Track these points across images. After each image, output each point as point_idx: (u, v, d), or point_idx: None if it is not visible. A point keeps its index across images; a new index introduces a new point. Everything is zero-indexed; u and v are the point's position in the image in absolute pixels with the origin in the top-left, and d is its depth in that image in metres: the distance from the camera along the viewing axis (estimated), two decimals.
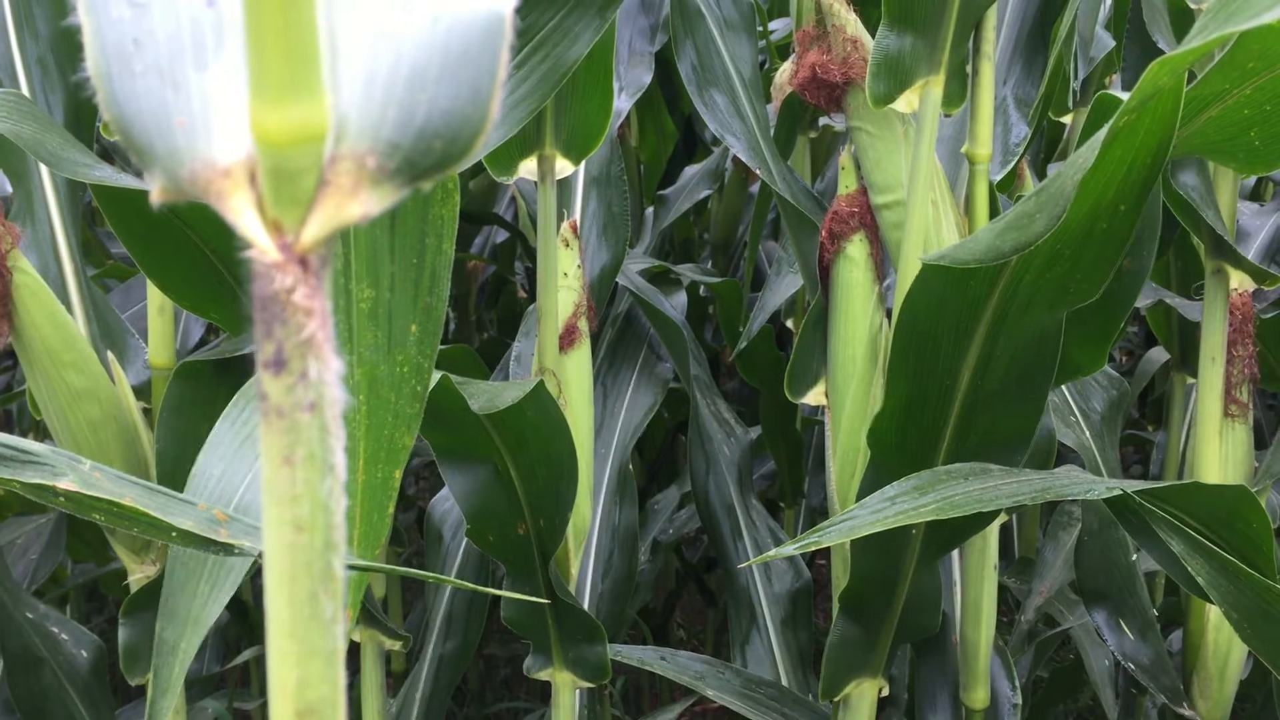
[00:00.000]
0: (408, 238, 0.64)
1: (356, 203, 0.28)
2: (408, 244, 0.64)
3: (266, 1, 0.27)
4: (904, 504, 0.91)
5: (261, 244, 0.28)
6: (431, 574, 0.96)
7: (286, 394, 0.29)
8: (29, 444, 0.55)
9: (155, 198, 0.29)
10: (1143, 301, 1.83)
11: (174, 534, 0.57)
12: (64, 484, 0.53)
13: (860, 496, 1.02)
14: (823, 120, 2.12)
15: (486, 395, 0.99)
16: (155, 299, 1.29)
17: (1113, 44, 1.82)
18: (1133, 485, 0.93)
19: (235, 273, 1.08)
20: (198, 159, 0.28)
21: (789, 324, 2.02)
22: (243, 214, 0.28)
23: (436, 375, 0.86)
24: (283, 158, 0.28)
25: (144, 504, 0.54)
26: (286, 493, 0.29)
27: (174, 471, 1.18)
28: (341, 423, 0.30)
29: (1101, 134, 0.67)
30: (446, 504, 1.56)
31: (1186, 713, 1.36)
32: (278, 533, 0.30)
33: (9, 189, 1.35)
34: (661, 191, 2.39)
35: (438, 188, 0.64)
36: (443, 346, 1.84)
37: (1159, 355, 2.37)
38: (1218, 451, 1.33)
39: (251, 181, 0.28)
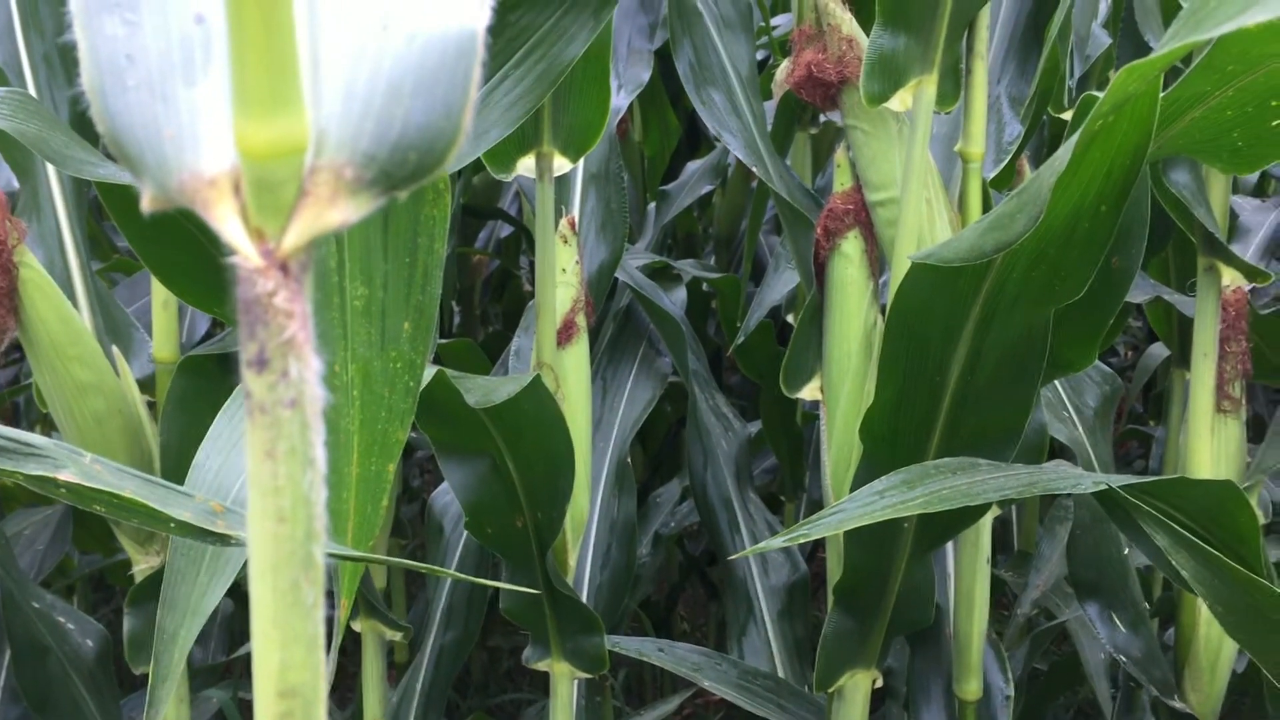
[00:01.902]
0: (400, 238, 0.66)
1: (335, 211, 0.30)
2: (400, 244, 0.66)
3: (249, 20, 0.29)
4: (892, 498, 0.92)
5: (245, 250, 0.30)
6: (423, 565, 0.98)
7: (269, 391, 0.30)
8: (31, 437, 0.57)
9: (145, 206, 0.31)
10: (1142, 297, 1.83)
11: (172, 525, 0.58)
12: (65, 476, 0.54)
13: (854, 491, 1.03)
14: (824, 117, 2.13)
15: (482, 390, 1.01)
16: (159, 294, 1.31)
17: (1109, 41, 1.83)
18: (1119, 480, 0.94)
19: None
20: (185, 170, 0.30)
21: (790, 319, 2.03)
22: (227, 222, 0.30)
23: (432, 371, 0.88)
24: (265, 169, 0.29)
25: (143, 496, 0.56)
26: (269, 485, 0.31)
27: (178, 464, 1.20)
28: (321, 419, 0.31)
29: (1075, 138, 0.68)
30: (447, 497, 1.57)
31: (1178, 705, 1.37)
32: (261, 523, 0.31)
33: (15, 184, 1.37)
34: (664, 187, 2.40)
35: (429, 189, 0.65)
36: (446, 340, 1.87)
37: (1161, 350, 2.38)
38: (1210, 446, 1.34)
39: (236, 191, 0.30)
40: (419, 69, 0.31)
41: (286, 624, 0.32)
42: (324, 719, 0.33)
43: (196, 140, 0.30)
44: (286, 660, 0.32)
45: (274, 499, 0.31)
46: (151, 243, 1.10)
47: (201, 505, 0.59)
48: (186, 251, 1.11)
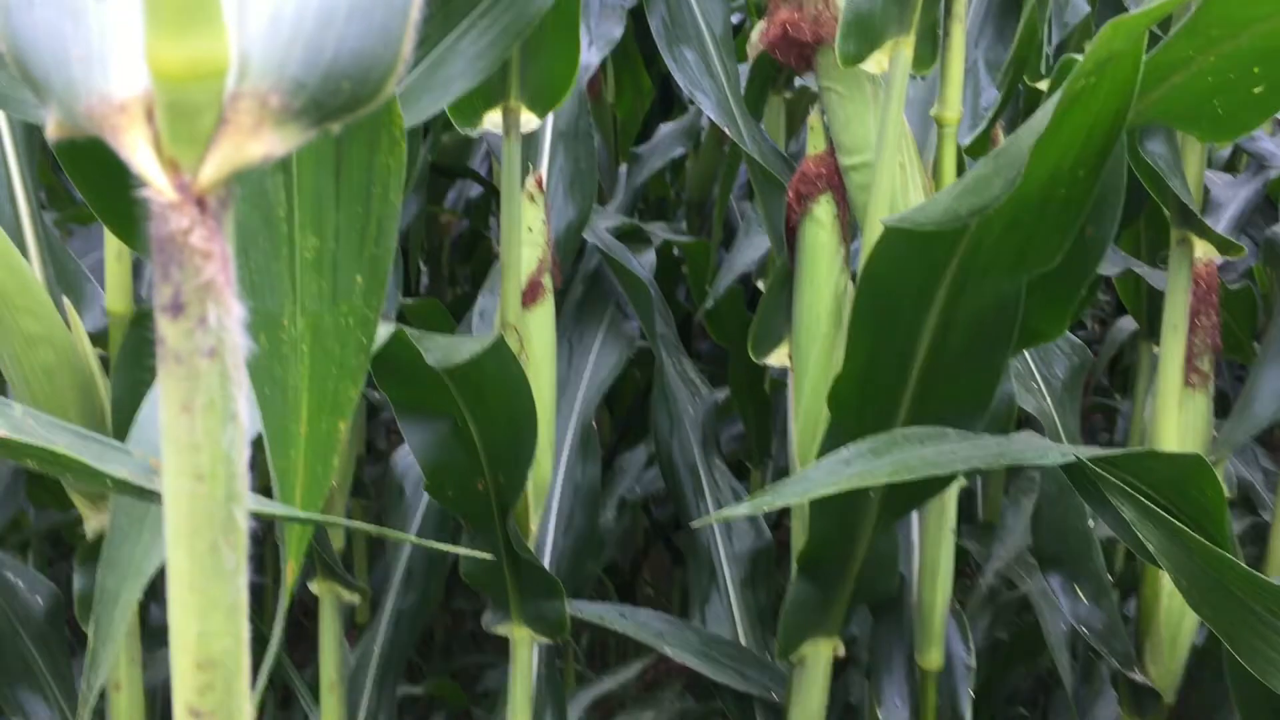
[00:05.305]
0: (353, 187, 0.63)
1: (258, 142, 0.27)
2: (353, 193, 0.63)
3: None
4: (859, 466, 0.90)
5: (157, 183, 0.27)
6: (372, 527, 0.96)
7: (185, 339, 0.28)
8: None
9: (50, 133, 0.28)
10: (1112, 270, 1.83)
11: (109, 482, 0.56)
12: None
13: (820, 459, 1.02)
14: (799, 81, 2.11)
15: (443, 349, 0.98)
16: (113, 245, 1.27)
17: (1088, 9, 1.81)
18: (1087, 452, 0.93)
19: None
20: (94, 93, 0.27)
21: (760, 285, 2.01)
22: (137, 151, 0.27)
23: (390, 329, 0.85)
24: (180, 93, 0.27)
25: (77, 451, 0.54)
26: (186, 441, 0.29)
27: (129, 420, 1.17)
28: (244, 370, 0.29)
29: (1055, 98, 0.66)
30: (409, 458, 1.55)
31: (1137, 678, 1.37)
32: (177, 482, 0.29)
33: None
34: (636, 149, 2.37)
35: (385, 137, 0.63)
36: (412, 300, 1.83)
37: (1129, 324, 2.38)
38: (1177, 420, 1.34)
39: (149, 118, 0.27)
40: None
41: (205, 590, 0.30)
42: (246, 690, 0.31)
43: (106, 61, 0.28)
44: (206, 629, 0.30)
45: (191, 456, 0.29)
46: (102, 191, 1.06)
47: (140, 462, 0.57)
48: (138, 200, 1.07)
